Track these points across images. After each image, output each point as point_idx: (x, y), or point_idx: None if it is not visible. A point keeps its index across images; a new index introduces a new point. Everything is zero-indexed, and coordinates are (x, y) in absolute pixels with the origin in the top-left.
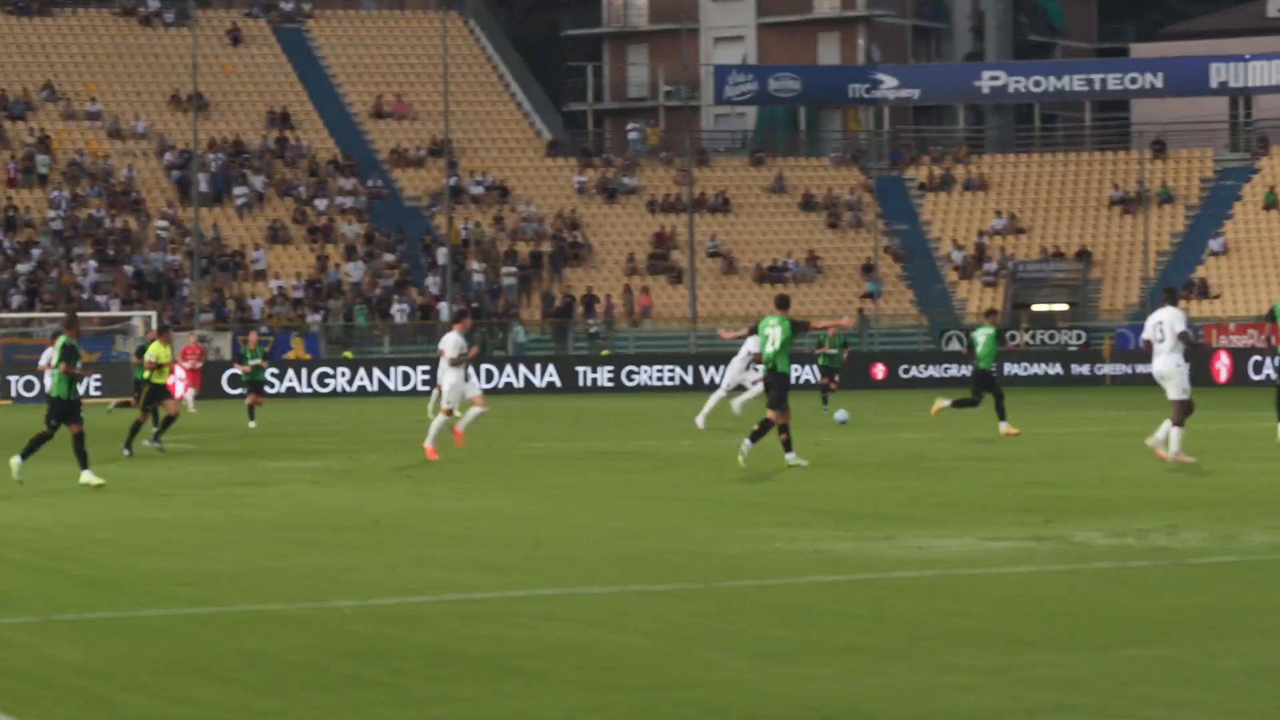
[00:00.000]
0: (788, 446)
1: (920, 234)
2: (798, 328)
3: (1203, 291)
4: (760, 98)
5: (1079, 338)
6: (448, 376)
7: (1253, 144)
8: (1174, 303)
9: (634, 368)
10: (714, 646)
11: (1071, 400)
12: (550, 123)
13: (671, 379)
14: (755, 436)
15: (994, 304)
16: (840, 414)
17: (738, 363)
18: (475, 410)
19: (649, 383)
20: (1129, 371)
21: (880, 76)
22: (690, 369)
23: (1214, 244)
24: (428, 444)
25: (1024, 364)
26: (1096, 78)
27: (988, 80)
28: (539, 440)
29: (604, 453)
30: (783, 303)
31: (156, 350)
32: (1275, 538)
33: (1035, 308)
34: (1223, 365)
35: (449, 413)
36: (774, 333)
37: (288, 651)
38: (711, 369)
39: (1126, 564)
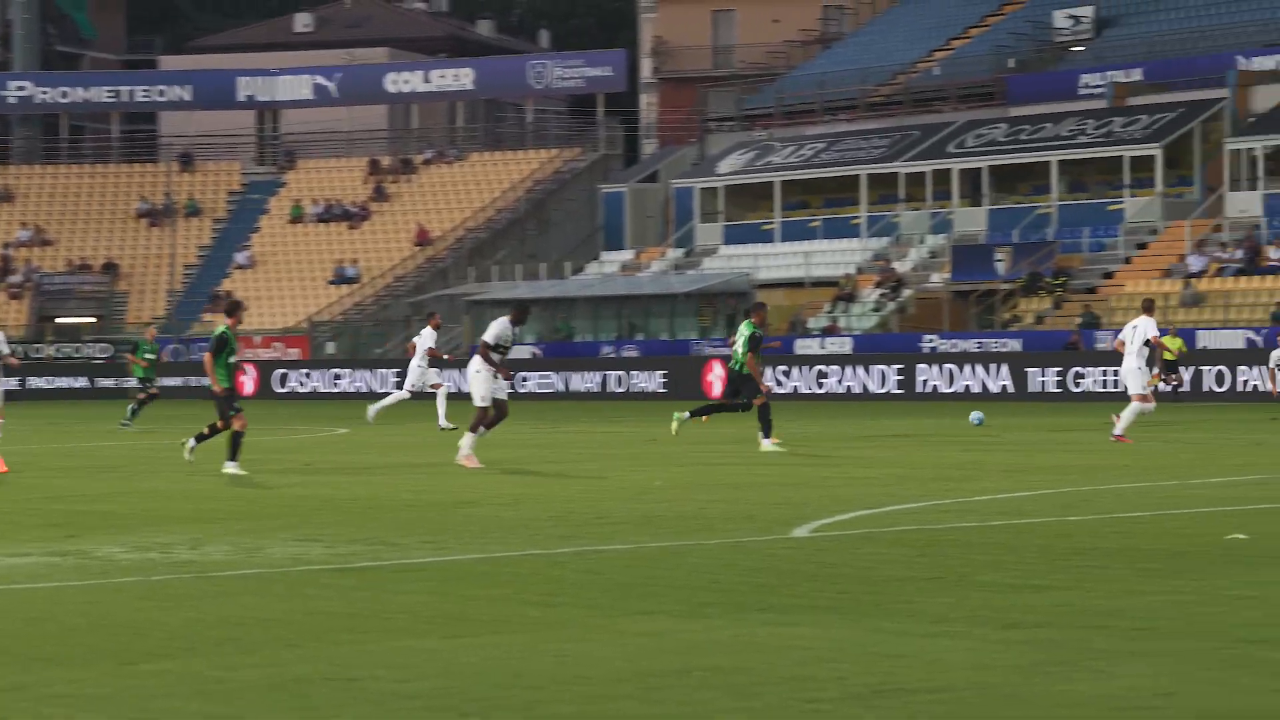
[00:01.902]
0: (234, 455)
1: None
2: (222, 341)
3: None
4: None
5: (105, 350)
6: None
7: (279, 158)
8: (519, 322)
9: None
10: None
11: (97, 414)
12: None
13: None
14: (221, 439)
15: (19, 317)
16: (975, 415)
17: (417, 363)
18: None
19: None
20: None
21: None
22: None
23: (241, 257)
24: None
25: (49, 377)
26: (125, 89)
27: (14, 90)
28: None
29: None
30: (230, 309)
31: None
32: (296, 549)
33: (61, 320)
34: (249, 378)
35: None
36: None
37: None
38: None
39: (150, 578)
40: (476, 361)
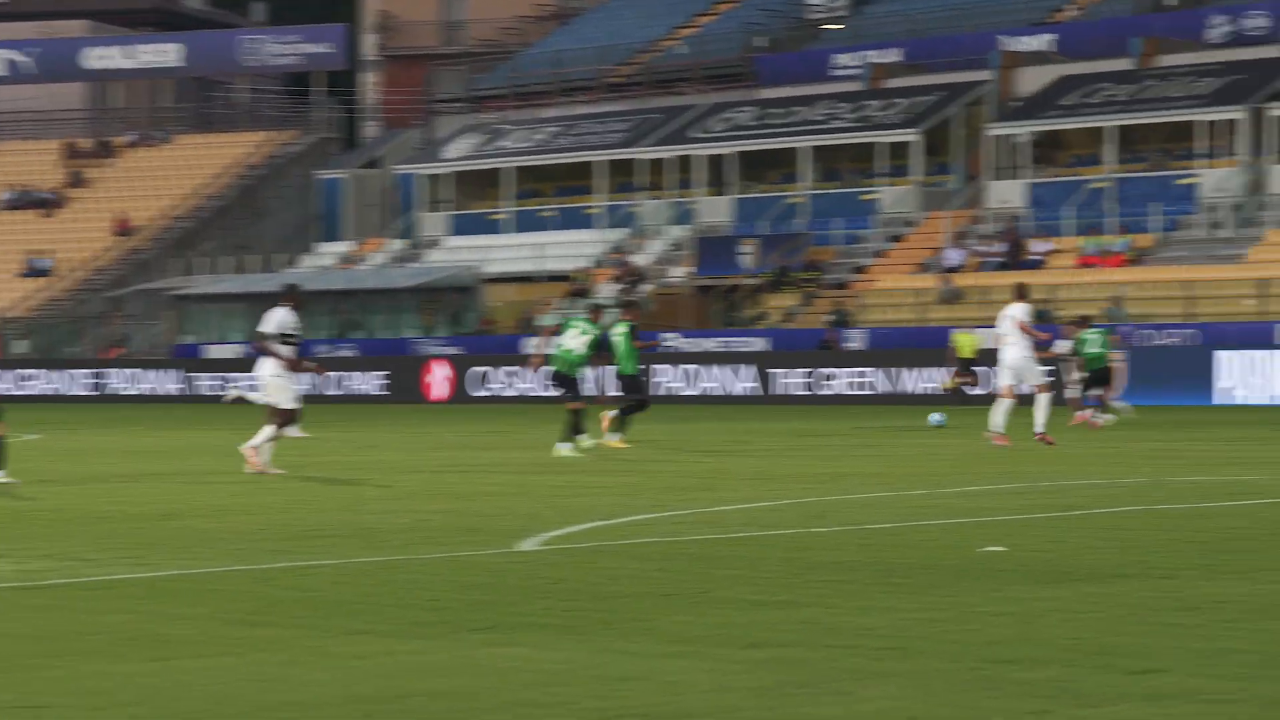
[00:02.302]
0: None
1: None
2: None
3: None
4: None
5: None
6: None
7: None
8: (299, 306)
9: None
10: None
11: None
12: None
13: None
14: None
15: None
16: (935, 416)
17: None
18: None
19: None
20: None
21: None
22: None
23: None
24: None
25: None
26: None
27: None
28: None
29: None
30: None
31: None
32: None
33: None
34: None
35: None
36: None
37: None
38: None
39: None
40: (270, 364)
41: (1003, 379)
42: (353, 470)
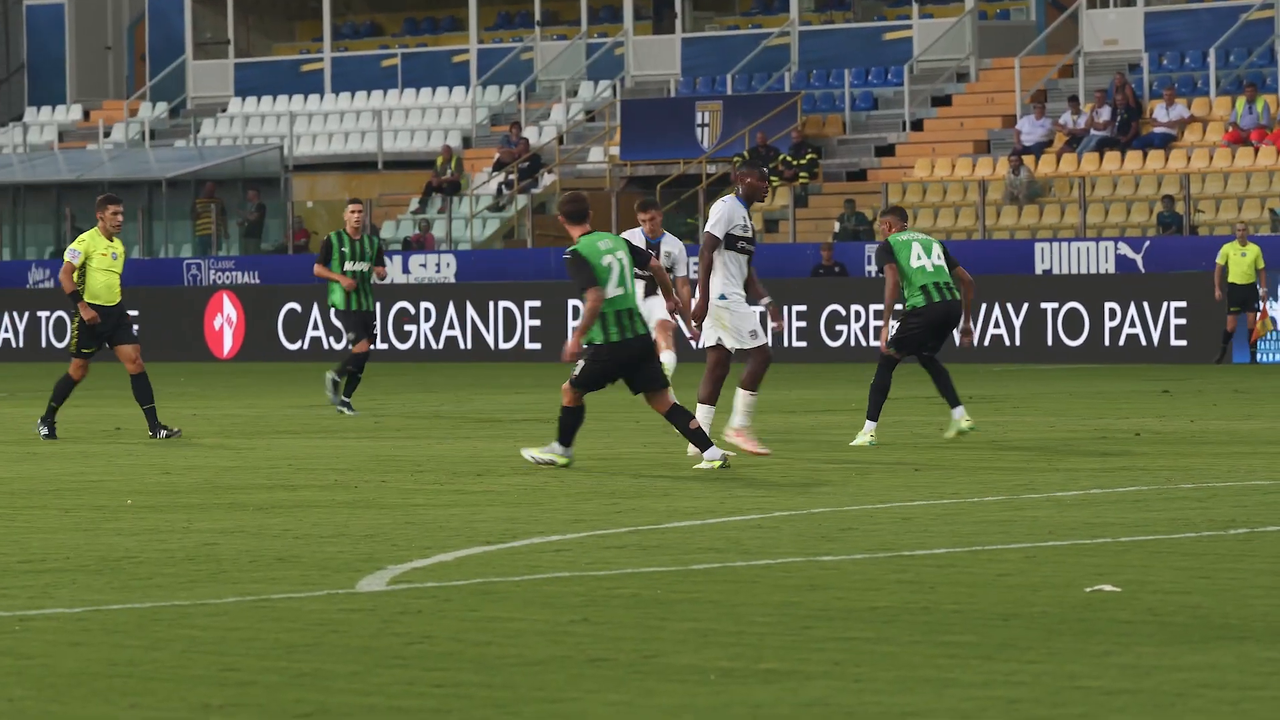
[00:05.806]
0: None
1: None
2: None
3: None
4: None
5: None
6: None
7: None
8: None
9: None
10: None
11: None
12: None
13: None
14: None
15: None
16: None
17: None
18: None
19: None
20: None
21: None
22: None
23: None
24: None
25: None
26: None
27: None
28: None
29: None
30: None
31: None
32: None
33: None
34: None
35: None
36: None
37: None
38: None
39: None
40: None
41: None
42: (84, 467)
